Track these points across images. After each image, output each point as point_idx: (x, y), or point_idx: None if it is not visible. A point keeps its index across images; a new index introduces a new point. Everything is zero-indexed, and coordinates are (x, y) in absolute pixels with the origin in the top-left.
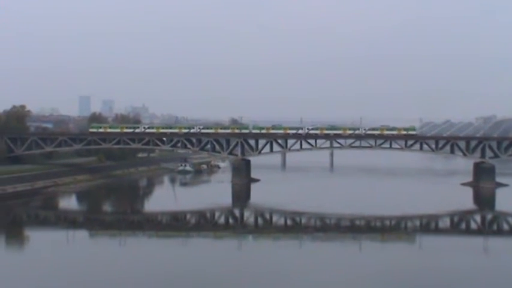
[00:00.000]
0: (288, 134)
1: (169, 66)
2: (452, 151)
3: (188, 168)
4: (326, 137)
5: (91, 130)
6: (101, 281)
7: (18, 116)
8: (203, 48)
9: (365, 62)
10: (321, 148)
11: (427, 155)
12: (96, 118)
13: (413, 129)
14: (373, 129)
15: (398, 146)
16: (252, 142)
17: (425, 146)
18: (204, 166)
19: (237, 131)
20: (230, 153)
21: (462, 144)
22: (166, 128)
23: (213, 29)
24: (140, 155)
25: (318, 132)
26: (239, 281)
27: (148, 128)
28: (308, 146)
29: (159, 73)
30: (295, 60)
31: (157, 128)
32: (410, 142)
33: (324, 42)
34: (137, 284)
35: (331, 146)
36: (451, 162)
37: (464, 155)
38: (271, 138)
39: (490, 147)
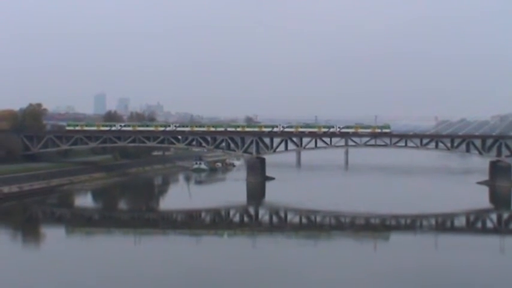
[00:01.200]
0: (263, 132)
1: (185, 65)
2: (468, 150)
3: (203, 166)
4: (341, 135)
5: (68, 128)
6: (114, 278)
7: (34, 114)
8: (219, 47)
9: (381, 60)
10: (335, 146)
11: (443, 154)
12: (111, 116)
13: (388, 128)
14: (348, 127)
15: (413, 145)
16: (267, 140)
17: (440, 145)
18: (219, 164)
19: (212, 129)
20: (245, 151)
21: (478, 142)
22: (143, 126)
23: (228, 27)
24: (155, 153)
25: (292, 130)
26: (254, 279)
27: (125, 126)
28: (323, 145)
29: (174, 72)
30: (311, 59)
31: (134, 126)
32: (425, 140)
33: (339, 40)
34: (153, 282)
35: (346, 145)
36: (466, 161)
37: (480, 153)
38: (286, 137)
39: (507, 146)
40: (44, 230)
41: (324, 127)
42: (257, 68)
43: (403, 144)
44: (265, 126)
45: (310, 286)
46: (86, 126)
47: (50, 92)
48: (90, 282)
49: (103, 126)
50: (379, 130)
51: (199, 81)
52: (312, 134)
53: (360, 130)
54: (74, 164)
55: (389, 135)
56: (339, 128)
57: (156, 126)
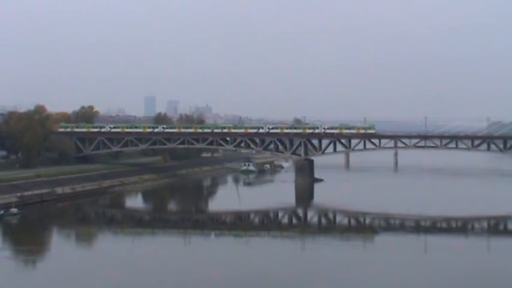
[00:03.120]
0: (250, 133)
1: (233, 67)
2: None
3: (251, 168)
4: (390, 136)
5: (60, 130)
6: (160, 279)
7: (86, 116)
8: (267, 50)
9: (430, 63)
10: (384, 148)
11: (495, 156)
12: (161, 118)
13: (372, 128)
14: (332, 128)
15: (464, 146)
16: (315, 142)
17: (492, 146)
18: (267, 166)
19: (200, 130)
20: (293, 153)
21: None
22: (129, 127)
23: (277, 32)
24: (204, 154)
25: (278, 131)
26: (303, 280)
27: (114, 127)
28: (372, 146)
29: (223, 74)
30: (361, 60)
31: (123, 127)
32: (477, 142)
33: (389, 43)
34: (203, 283)
35: (395, 146)
36: None
37: None
38: (335, 138)
39: None
40: (96, 230)
41: (310, 128)
42: (306, 70)
43: (454, 145)
44: (251, 128)
45: None
46: (76, 128)
47: (102, 94)
48: (142, 284)
49: (92, 128)
50: (363, 131)
51: (248, 83)
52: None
53: (344, 131)
54: (124, 166)
55: (377, 136)
56: (323, 128)
57: (144, 128)
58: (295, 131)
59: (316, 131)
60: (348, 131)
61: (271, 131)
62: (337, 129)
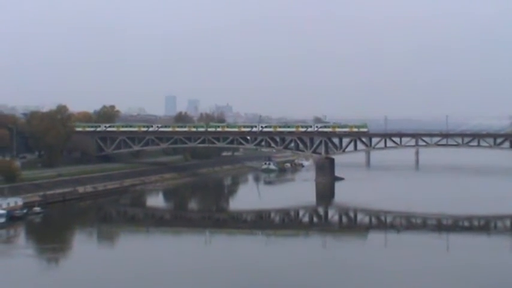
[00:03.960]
0: (244, 132)
1: (254, 66)
2: None
3: (272, 166)
4: (411, 135)
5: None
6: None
7: (107, 115)
8: (287, 48)
9: (451, 60)
10: (405, 146)
11: None
12: (181, 117)
13: (365, 127)
14: (325, 126)
15: (486, 144)
16: (336, 140)
17: None
18: (288, 165)
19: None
20: (314, 151)
21: None
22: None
23: (296, 33)
24: (225, 153)
25: (271, 130)
26: (324, 278)
27: (110, 126)
28: (393, 145)
29: (244, 73)
30: (381, 59)
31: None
32: (499, 140)
33: (410, 40)
34: (222, 281)
35: (417, 144)
36: None
37: None
38: (355, 137)
39: None
40: (118, 229)
41: (302, 127)
42: (326, 69)
43: (476, 143)
44: (245, 127)
45: None
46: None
47: (123, 94)
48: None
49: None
50: (356, 129)
51: (268, 82)
52: (380, 134)
53: (337, 130)
54: (145, 165)
55: (368, 134)
56: (316, 127)
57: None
58: (288, 129)
59: (309, 129)
60: (341, 129)
61: (264, 129)
62: (330, 127)
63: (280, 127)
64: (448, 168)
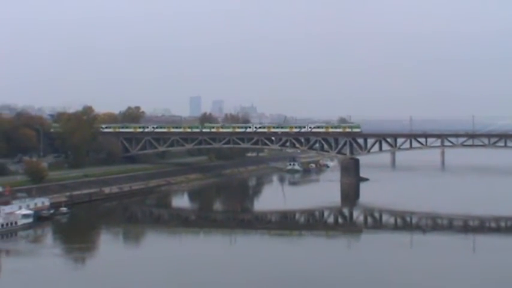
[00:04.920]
0: (238, 132)
1: (278, 66)
2: None
3: (297, 167)
4: (437, 135)
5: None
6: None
7: (133, 116)
8: (311, 49)
9: (477, 61)
10: (431, 147)
11: None
12: (206, 118)
13: (358, 127)
14: (319, 126)
15: None
16: (360, 141)
17: None
18: (313, 165)
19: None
20: (339, 152)
21: None
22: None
23: (319, 35)
24: (249, 154)
25: (265, 130)
26: (351, 279)
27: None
28: (418, 145)
29: (268, 73)
30: (406, 60)
31: (114, 127)
32: None
33: (436, 41)
34: (247, 282)
35: (442, 145)
36: None
37: None
38: (380, 138)
39: None
40: (144, 229)
41: (296, 127)
42: (352, 70)
43: (503, 144)
44: (239, 127)
45: None
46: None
47: (148, 95)
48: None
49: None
50: (349, 130)
51: (294, 83)
52: (405, 135)
53: (330, 130)
54: (171, 165)
55: (360, 134)
56: (310, 127)
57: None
58: (282, 130)
59: (303, 130)
60: (334, 129)
61: (259, 130)
62: (323, 128)
63: (274, 127)
64: (475, 169)
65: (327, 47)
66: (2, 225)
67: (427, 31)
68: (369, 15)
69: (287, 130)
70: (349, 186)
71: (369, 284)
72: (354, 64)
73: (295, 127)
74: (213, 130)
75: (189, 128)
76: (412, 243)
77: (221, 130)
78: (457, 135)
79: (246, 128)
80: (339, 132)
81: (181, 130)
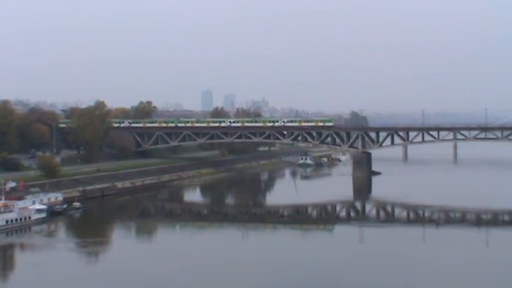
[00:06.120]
0: (210, 127)
1: (290, 60)
2: None
3: (309, 161)
4: (449, 129)
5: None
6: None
7: (145, 111)
8: (324, 42)
9: (489, 53)
10: (443, 140)
11: None
12: (218, 113)
13: (330, 122)
14: (292, 121)
15: None
16: (372, 135)
17: None
18: (325, 159)
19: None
20: (350, 146)
21: None
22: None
23: (334, 25)
24: (261, 148)
25: (239, 125)
26: (362, 273)
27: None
28: (430, 139)
29: (280, 67)
30: (418, 55)
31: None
32: None
33: (448, 34)
34: (260, 276)
35: (455, 138)
36: None
37: None
38: (392, 131)
39: None
40: (156, 223)
41: (269, 121)
42: (364, 64)
43: None
44: (214, 122)
45: None
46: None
47: (159, 89)
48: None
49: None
50: (321, 124)
51: (307, 77)
52: (417, 129)
53: (303, 124)
54: (182, 160)
55: (334, 128)
56: (283, 122)
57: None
58: (255, 124)
59: (276, 124)
60: (307, 124)
61: (233, 124)
62: (296, 122)
63: (248, 122)
64: (487, 162)
65: (340, 40)
66: (16, 219)
67: (443, 24)
68: (384, 8)
69: (261, 125)
70: (361, 180)
71: (380, 279)
72: (367, 57)
73: (269, 121)
74: (188, 125)
75: (164, 122)
76: (424, 237)
77: (196, 125)
78: (469, 129)
79: (220, 122)
80: (311, 126)
81: (156, 125)
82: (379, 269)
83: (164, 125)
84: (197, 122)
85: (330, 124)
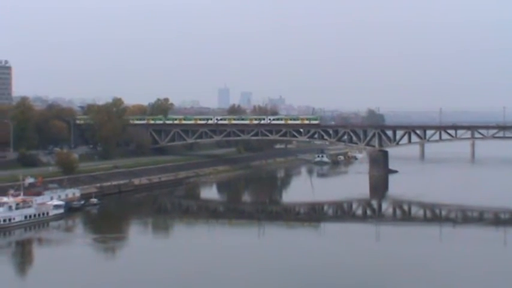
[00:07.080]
0: (199, 124)
1: (306, 58)
2: None
3: (325, 159)
4: (467, 127)
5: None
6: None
7: (162, 108)
8: (340, 40)
9: (507, 50)
10: (461, 139)
11: None
12: (235, 110)
13: (316, 119)
14: (278, 118)
15: None
16: (389, 133)
17: None
18: (341, 157)
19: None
20: (367, 144)
21: None
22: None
23: (351, 22)
24: (278, 146)
25: (226, 122)
26: (376, 271)
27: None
28: (448, 137)
29: (296, 65)
30: (436, 51)
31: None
32: None
33: (465, 31)
34: (277, 274)
35: (472, 137)
36: None
37: None
38: (409, 129)
39: None
40: (173, 220)
41: (256, 119)
42: (381, 61)
43: None
44: (201, 119)
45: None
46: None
47: (176, 86)
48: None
49: None
50: (307, 121)
51: (321, 74)
52: (435, 127)
53: (289, 121)
54: (199, 157)
55: (321, 126)
56: (269, 119)
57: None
58: (243, 122)
59: (263, 121)
60: (293, 121)
61: (220, 122)
62: (282, 120)
63: (234, 119)
64: (505, 161)
65: (357, 37)
66: (35, 215)
67: (461, 20)
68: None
69: (247, 122)
70: (378, 178)
71: (396, 277)
72: (384, 54)
73: (255, 119)
74: (175, 122)
75: (152, 119)
76: (441, 236)
77: (183, 122)
78: (487, 127)
79: (207, 119)
80: (298, 124)
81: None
82: (394, 268)
83: (152, 122)
84: (184, 119)
85: (316, 122)
